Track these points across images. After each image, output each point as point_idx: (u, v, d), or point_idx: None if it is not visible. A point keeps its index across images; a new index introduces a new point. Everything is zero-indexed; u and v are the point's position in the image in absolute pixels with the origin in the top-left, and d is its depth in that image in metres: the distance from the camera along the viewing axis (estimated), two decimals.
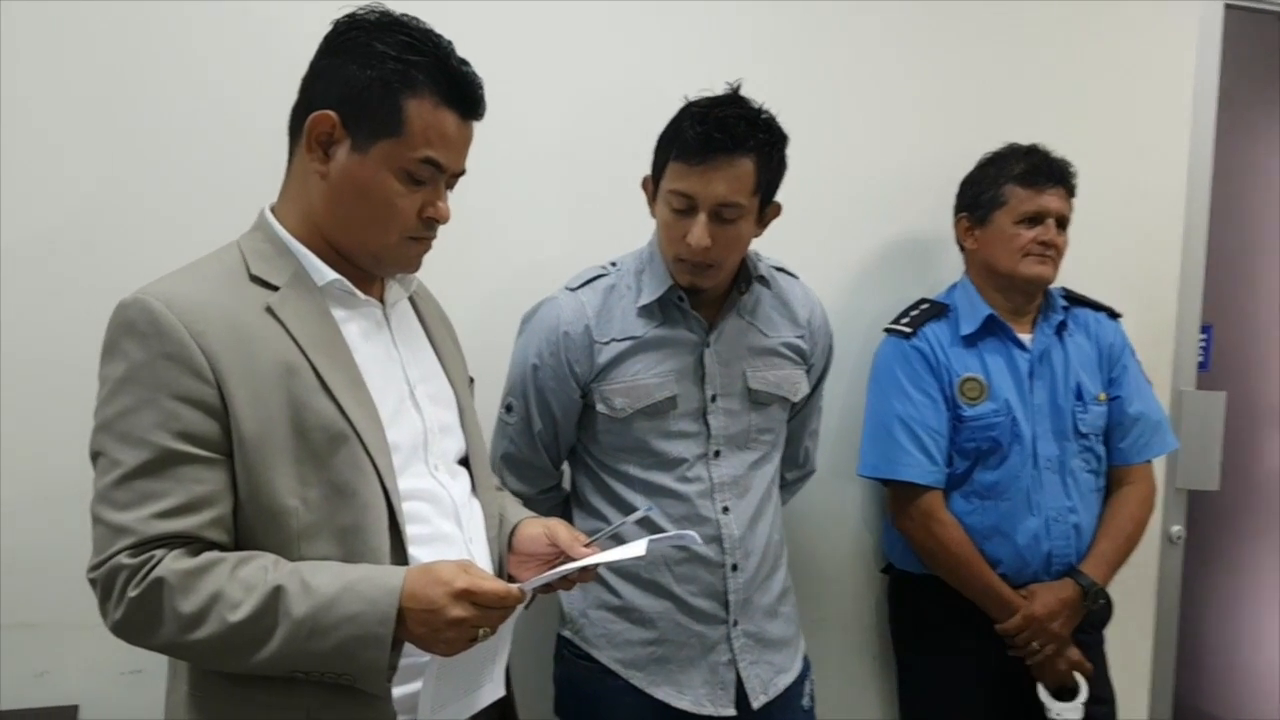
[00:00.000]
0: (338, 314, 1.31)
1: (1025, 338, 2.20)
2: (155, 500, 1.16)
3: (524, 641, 2.04)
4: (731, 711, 1.82)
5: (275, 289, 1.27)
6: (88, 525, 1.21)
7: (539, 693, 2.00)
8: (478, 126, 1.38)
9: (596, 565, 1.36)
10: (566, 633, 1.89)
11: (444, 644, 1.19)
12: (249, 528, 1.22)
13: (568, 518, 1.93)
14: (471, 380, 1.56)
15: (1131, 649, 2.63)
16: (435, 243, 1.39)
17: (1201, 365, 2.76)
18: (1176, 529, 2.69)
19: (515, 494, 1.87)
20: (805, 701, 1.93)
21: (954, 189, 2.28)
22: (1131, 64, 2.57)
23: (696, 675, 1.82)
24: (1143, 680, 2.69)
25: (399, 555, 1.27)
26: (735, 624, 1.83)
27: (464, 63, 1.32)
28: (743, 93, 1.74)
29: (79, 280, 1.84)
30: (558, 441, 1.87)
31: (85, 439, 1.23)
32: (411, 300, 1.48)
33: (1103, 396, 2.22)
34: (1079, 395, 2.19)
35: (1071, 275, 2.25)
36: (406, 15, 1.31)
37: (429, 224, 1.33)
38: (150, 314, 1.19)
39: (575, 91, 2.15)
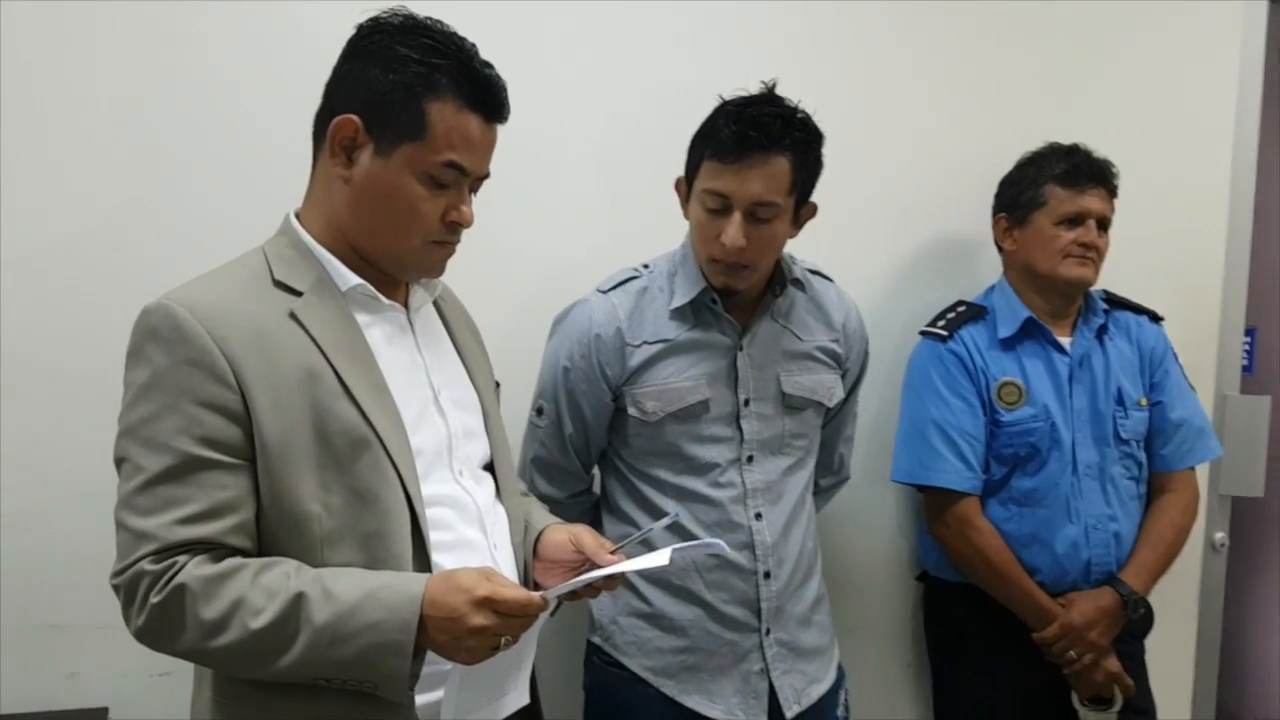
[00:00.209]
0: (361, 319, 1.31)
1: (1065, 341, 2.16)
2: (178, 506, 1.16)
3: (553, 647, 2.04)
4: None
5: (299, 294, 1.26)
6: None
7: (568, 699, 1.99)
8: (509, 129, 1.36)
9: (621, 574, 1.34)
10: (596, 639, 1.88)
11: (465, 652, 1.17)
12: (272, 533, 1.22)
13: (598, 522, 1.92)
14: (498, 384, 1.55)
15: (1173, 659, 2.59)
16: (467, 247, 1.39)
17: (1245, 369, 2.70)
18: (1220, 536, 2.65)
19: (545, 498, 1.87)
20: (840, 712, 1.91)
21: (992, 189, 2.25)
22: (1174, 62, 2.52)
23: (728, 684, 1.80)
24: (1184, 691, 2.64)
25: (422, 561, 1.26)
26: (768, 632, 1.81)
27: (487, 65, 1.31)
28: (778, 92, 1.71)
29: (108, 285, 1.85)
30: (588, 445, 1.86)
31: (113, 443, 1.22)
32: (436, 304, 1.48)
33: (1144, 402, 2.18)
34: (1120, 400, 2.15)
35: (1112, 277, 2.21)
36: (430, 18, 1.30)
37: (452, 228, 1.32)
38: (174, 319, 1.18)
39: (606, 93, 2.13)
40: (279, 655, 1.15)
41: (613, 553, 1.39)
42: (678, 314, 1.79)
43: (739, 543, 1.78)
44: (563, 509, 1.89)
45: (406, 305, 1.39)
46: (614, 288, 1.82)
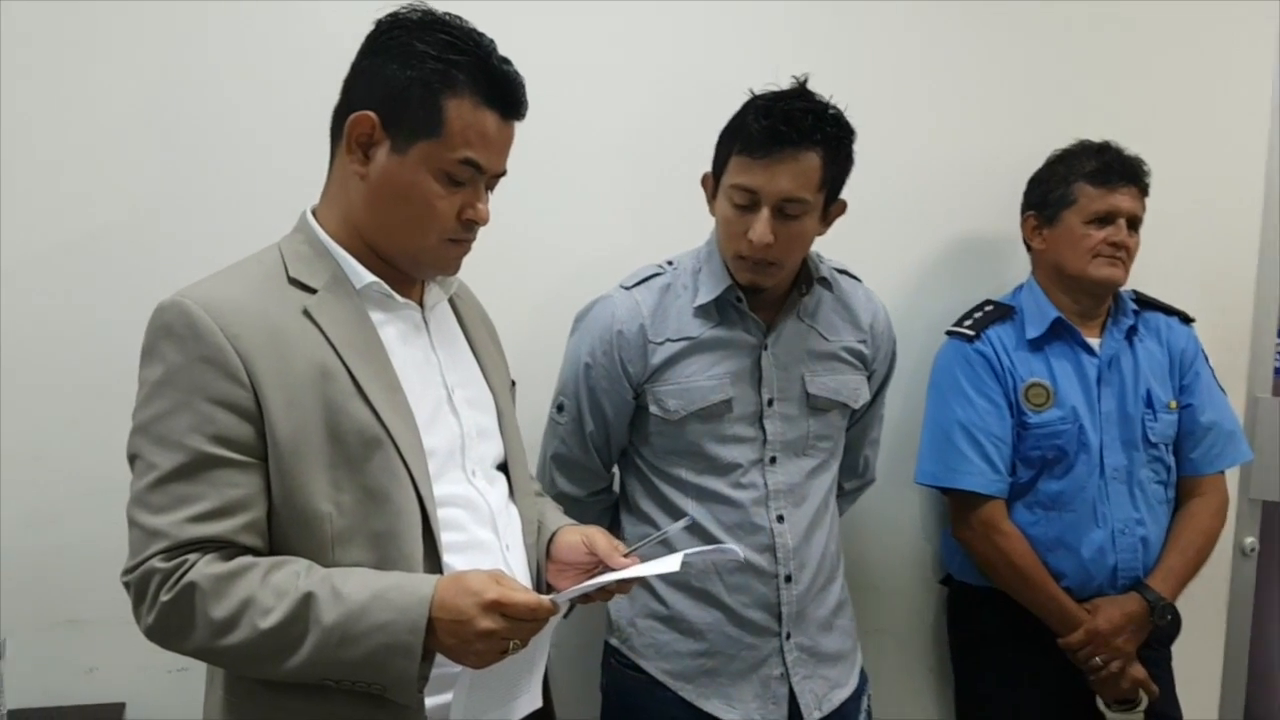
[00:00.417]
0: (376, 317, 1.30)
1: (1094, 342, 2.13)
2: (189, 504, 1.16)
3: (571, 648, 2.04)
4: None
5: (313, 292, 1.26)
6: None
7: (585, 701, 1.98)
8: (530, 125, 1.35)
9: (634, 578, 1.33)
10: (614, 641, 1.86)
11: (474, 656, 1.17)
12: (283, 532, 1.21)
13: (617, 521, 1.91)
14: (513, 383, 1.54)
15: (1201, 665, 2.55)
16: (488, 244, 1.38)
17: (1278, 371, 2.65)
18: (1249, 541, 2.60)
19: (565, 495, 1.87)
20: (862, 718, 1.88)
21: (1021, 186, 2.21)
22: (1207, 60, 2.48)
23: (748, 689, 1.78)
24: (1212, 698, 2.60)
25: (433, 562, 1.25)
26: (788, 637, 1.79)
27: (505, 62, 1.30)
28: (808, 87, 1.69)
29: (126, 281, 1.86)
30: (609, 443, 1.84)
31: None
32: (452, 302, 1.47)
33: (1173, 404, 2.14)
34: (1149, 403, 2.11)
35: (1142, 278, 2.18)
36: (449, 14, 1.29)
37: (468, 226, 1.31)
38: (187, 317, 1.18)
39: (628, 89, 2.12)
40: (288, 655, 1.15)
41: (626, 555, 1.37)
42: (702, 311, 1.77)
43: (760, 545, 1.76)
44: (582, 507, 1.88)
45: (422, 303, 1.39)
46: (637, 284, 1.81)
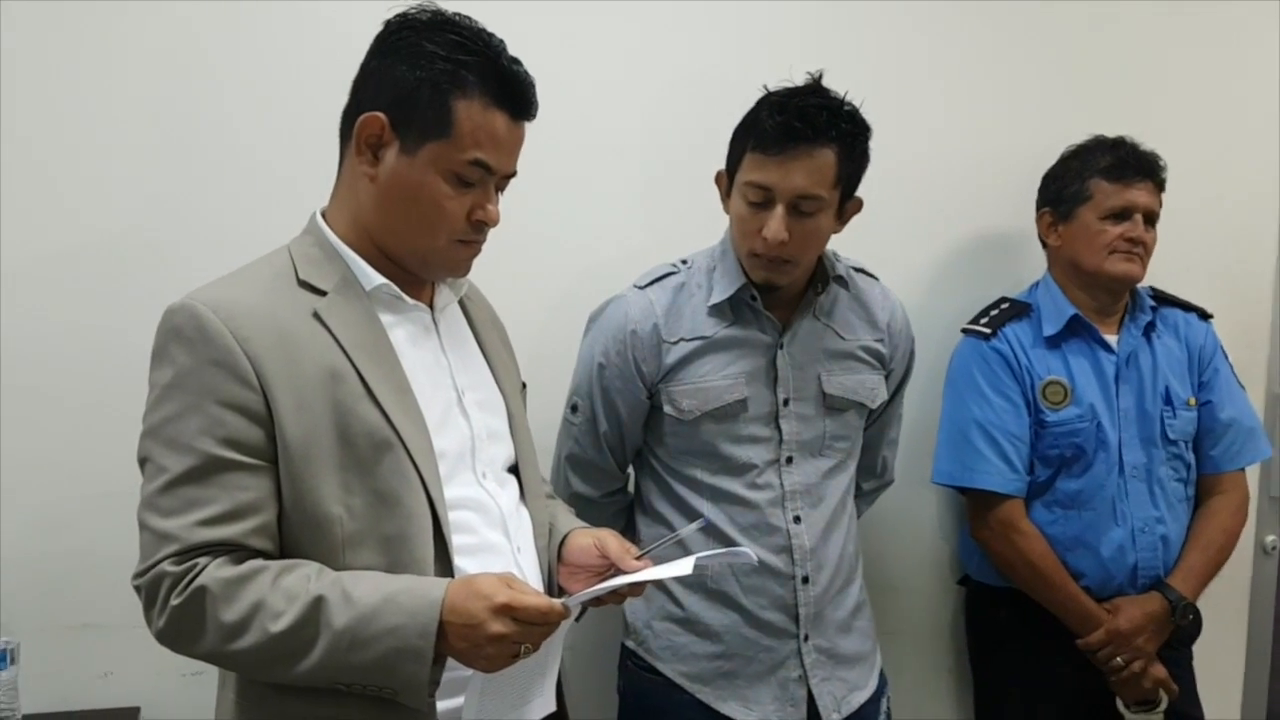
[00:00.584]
0: (385, 319, 1.30)
1: (1111, 339, 2.11)
2: (199, 507, 1.16)
3: (587, 650, 2.03)
4: None
5: (323, 294, 1.26)
6: None
7: (602, 703, 1.97)
8: (541, 125, 1.34)
9: (645, 581, 1.33)
10: (630, 643, 1.85)
11: (485, 660, 1.16)
12: (294, 535, 1.21)
13: (632, 522, 1.90)
14: (524, 385, 1.54)
15: (1222, 665, 2.53)
16: (500, 245, 1.37)
17: None
18: (1271, 539, 2.58)
19: (580, 496, 1.86)
20: None
21: (1035, 183, 2.20)
22: (1222, 54, 2.46)
23: (765, 691, 1.77)
24: (1234, 697, 2.58)
25: (444, 565, 1.25)
26: (806, 639, 1.77)
27: (515, 62, 1.29)
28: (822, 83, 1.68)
29: (136, 284, 1.85)
30: (624, 443, 1.83)
31: None
32: (462, 304, 1.46)
33: (1192, 401, 2.12)
34: (1168, 400, 2.09)
35: (1159, 274, 2.16)
36: (459, 14, 1.28)
37: (478, 227, 1.31)
38: (197, 319, 1.18)
39: (640, 88, 2.11)
40: (298, 659, 1.14)
41: (638, 557, 1.36)
42: (716, 310, 1.76)
43: (777, 546, 1.75)
44: (597, 508, 1.87)
45: (432, 305, 1.38)
46: (651, 283, 1.80)
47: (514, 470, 1.44)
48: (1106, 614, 2.01)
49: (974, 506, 2.11)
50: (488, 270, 1.42)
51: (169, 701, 1.91)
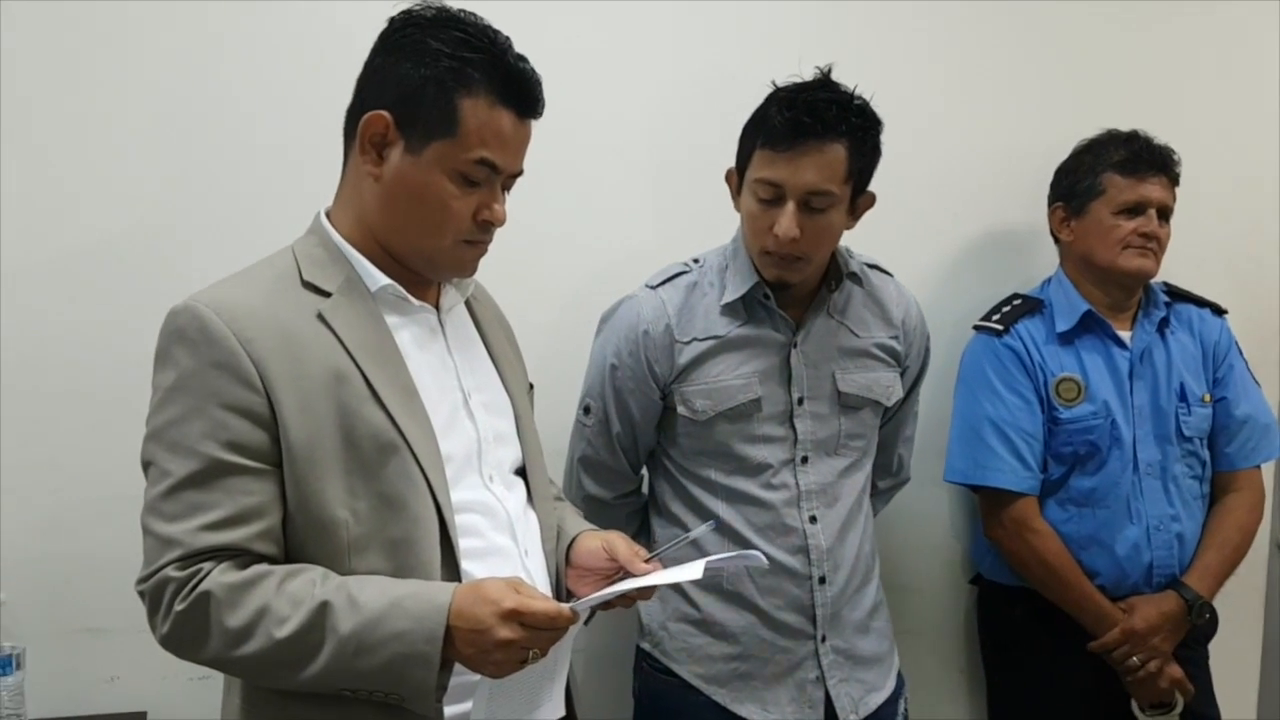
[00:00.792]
0: (391, 320, 1.28)
1: (1125, 335, 2.09)
2: (203, 512, 1.14)
3: (602, 652, 2.03)
4: None
5: (327, 295, 1.24)
6: None
7: (617, 706, 1.96)
8: (549, 123, 1.33)
9: (654, 586, 1.31)
10: (645, 645, 1.84)
11: (492, 665, 1.15)
12: (299, 539, 1.20)
13: (646, 524, 1.89)
14: (531, 386, 1.52)
15: (1238, 662, 2.51)
16: (510, 244, 1.36)
17: None
18: None
19: (593, 498, 1.85)
20: None
21: (1047, 177, 2.18)
22: (1231, 48, 2.44)
23: (783, 693, 1.75)
24: (1250, 695, 2.56)
25: (450, 569, 1.23)
26: (823, 639, 1.76)
27: (521, 59, 1.27)
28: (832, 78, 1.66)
29: (141, 286, 1.84)
30: (637, 444, 1.82)
31: None
32: (469, 304, 1.45)
33: (1207, 398, 2.11)
34: (1182, 396, 2.08)
35: (1171, 269, 2.14)
36: (464, 11, 1.27)
37: (484, 227, 1.29)
38: (200, 321, 1.17)
39: (651, 85, 2.10)
40: (304, 665, 1.13)
41: (647, 560, 1.35)
42: (729, 310, 1.74)
43: (793, 546, 1.74)
44: (611, 510, 1.86)
45: (438, 306, 1.36)
46: (663, 283, 1.78)
47: (521, 472, 1.42)
48: (1122, 613, 2.00)
49: (987, 505, 2.09)
50: (497, 270, 1.40)
51: (175, 706, 1.90)
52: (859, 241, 1.86)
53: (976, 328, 2.14)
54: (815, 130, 1.58)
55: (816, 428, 1.76)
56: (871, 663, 1.82)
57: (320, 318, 1.22)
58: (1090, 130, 2.13)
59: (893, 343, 1.84)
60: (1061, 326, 2.07)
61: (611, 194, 2.09)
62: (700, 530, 1.47)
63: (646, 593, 1.34)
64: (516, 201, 1.33)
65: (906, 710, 1.89)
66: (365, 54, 1.28)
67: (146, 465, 1.19)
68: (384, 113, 1.22)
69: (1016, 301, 2.14)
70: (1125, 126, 2.09)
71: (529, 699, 1.28)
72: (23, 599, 1.84)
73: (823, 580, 1.75)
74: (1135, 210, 2.03)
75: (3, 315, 1.82)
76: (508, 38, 1.27)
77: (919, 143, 2.20)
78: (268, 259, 1.30)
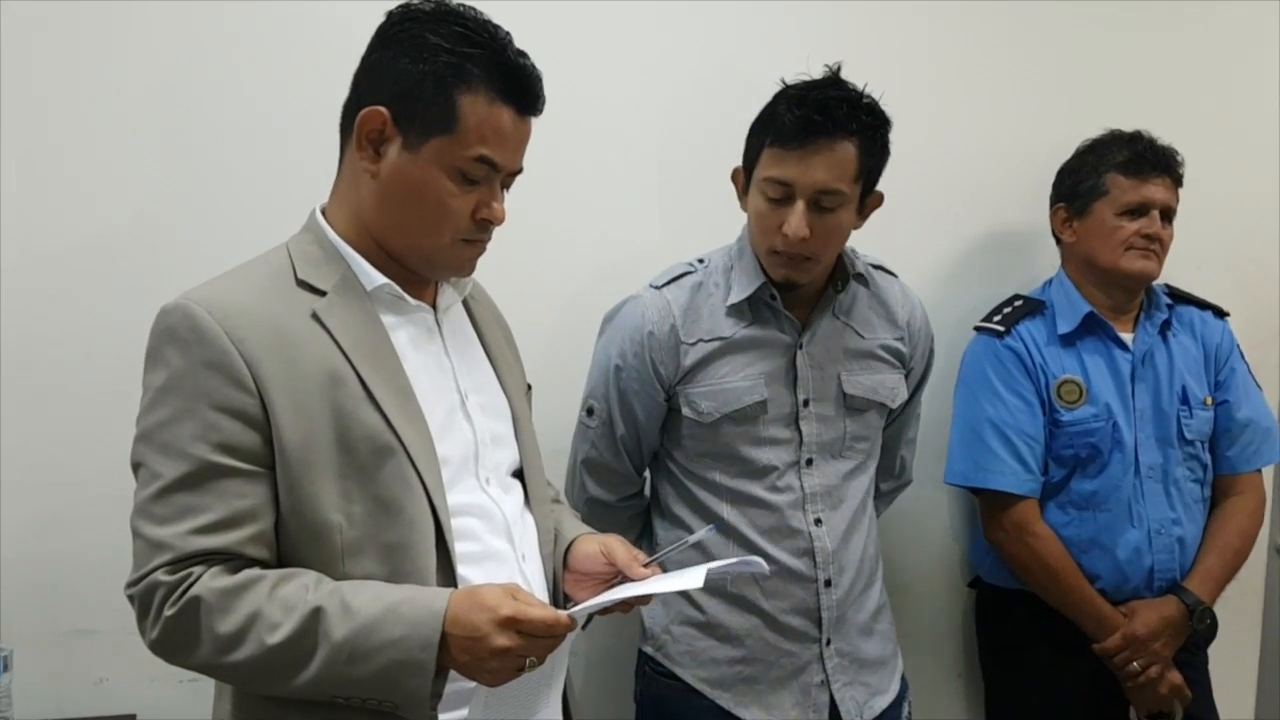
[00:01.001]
0: (387, 320, 1.26)
1: (1127, 337, 2.08)
2: (194, 515, 1.12)
3: (603, 656, 2.02)
4: None
5: (322, 294, 1.22)
6: None
7: (619, 711, 1.95)
8: (554, 120, 1.31)
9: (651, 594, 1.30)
10: (648, 649, 1.82)
11: (488, 674, 1.13)
12: (292, 543, 1.18)
13: (648, 526, 1.87)
14: (529, 387, 1.50)
15: (1236, 667, 2.50)
16: (511, 244, 1.35)
17: None
18: None
19: (596, 500, 1.84)
20: None
21: (1049, 178, 2.16)
22: (1232, 47, 2.43)
23: (787, 697, 1.74)
24: (1248, 699, 2.55)
25: (446, 574, 1.21)
26: (828, 643, 1.75)
27: (522, 55, 1.25)
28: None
29: (134, 283, 1.82)
30: (641, 446, 1.80)
31: None
32: (466, 304, 1.43)
33: (1209, 401, 2.10)
34: (1184, 399, 2.06)
35: (1171, 270, 2.12)
36: (463, 5, 1.25)
37: (483, 225, 1.27)
38: (192, 320, 1.15)
39: (654, 83, 2.08)
40: (296, 672, 1.11)
41: (646, 564, 1.33)
42: (735, 310, 1.72)
43: (798, 549, 1.73)
44: (614, 513, 1.85)
45: (434, 305, 1.34)
46: (668, 283, 1.76)
47: (518, 475, 1.40)
48: (1123, 618, 1.98)
49: (987, 508, 2.07)
50: (498, 269, 1.39)
51: (164, 709, 1.88)
52: (861, 242, 1.85)
53: (977, 329, 2.13)
54: (826, 128, 1.56)
55: (822, 430, 1.75)
56: (876, 666, 1.81)
57: (315, 317, 1.20)
58: (1092, 130, 2.11)
59: (898, 344, 1.82)
60: (1063, 328, 2.06)
61: (613, 192, 2.07)
62: (700, 534, 1.45)
63: (645, 598, 1.32)
64: (517, 199, 1.31)
65: (910, 714, 1.88)
66: (362, 47, 1.26)
67: (136, 467, 1.17)
68: (381, 108, 1.20)
69: (1018, 303, 2.13)
70: (1128, 127, 2.08)
71: (526, 705, 1.27)
72: (10, 600, 1.81)
73: (828, 583, 1.74)
74: (1138, 211, 2.02)
75: None
76: (508, 33, 1.25)
77: (920, 142, 2.17)
78: (261, 256, 1.27)
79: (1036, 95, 2.30)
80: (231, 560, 1.14)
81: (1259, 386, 2.17)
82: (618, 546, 1.36)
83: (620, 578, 1.34)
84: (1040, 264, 2.26)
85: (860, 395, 1.76)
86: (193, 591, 1.10)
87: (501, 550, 1.29)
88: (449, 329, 1.35)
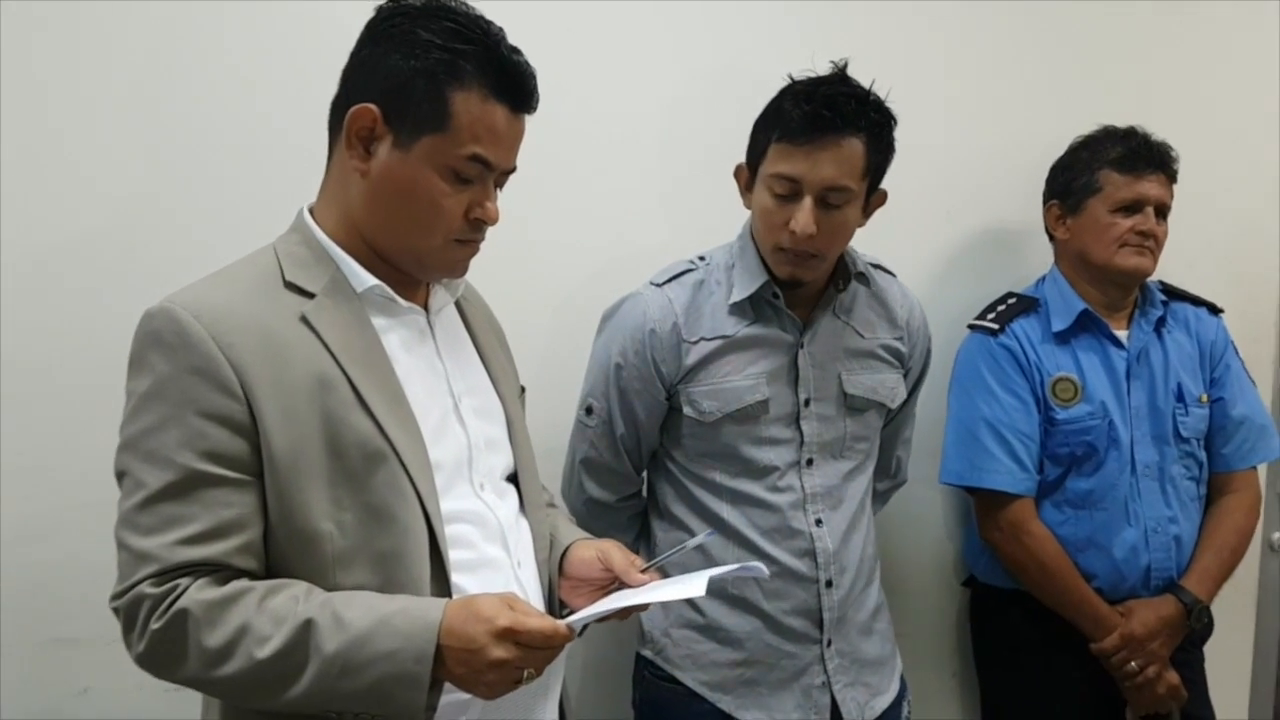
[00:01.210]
0: (378, 322, 1.24)
1: (1121, 334, 2.07)
2: (180, 525, 1.10)
3: (600, 660, 2.00)
4: None
5: (311, 296, 1.20)
6: None
7: (616, 715, 1.93)
8: (549, 118, 1.30)
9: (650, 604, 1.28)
10: (647, 652, 1.80)
11: (485, 686, 1.11)
12: (281, 553, 1.15)
13: (646, 527, 1.86)
14: (523, 389, 1.48)
15: (1229, 663, 2.49)
16: (506, 244, 1.32)
17: None
18: (1278, 536, 2.56)
19: (595, 500, 1.82)
20: None
21: (1042, 174, 2.16)
22: (1227, 42, 2.43)
23: (788, 699, 1.73)
24: (1241, 695, 2.56)
25: (440, 583, 1.19)
26: (829, 644, 1.74)
27: (515, 51, 1.23)
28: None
29: (119, 286, 1.77)
30: (640, 446, 1.79)
31: None
32: (459, 305, 1.40)
33: (1204, 398, 2.09)
34: (1180, 397, 2.06)
35: (1164, 266, 2.11)
36: (456, 0, 1.22)
37: (476, 226, 1.25)
38: (177, 324, 1.12)
39: (650, 80, 2.06)
40: (287, 686, 1.09)
41: (644, 570, 1.31)
42: (737, 309, 1.71)
43: (799, 550, 1.71)
44: (613, 513, 1.83)
45: (426, 307, 1.32)
46: (669, 280, 1.75)
47: (513, 479, 1.38)
48: (1120, 617, 1.97)
49: (983, 507, 2.06)
50: (495, 269, 1.37)
51: (150, 719, 1.84)
52: (857, 239, 1.82)
53: (971, 327, 2.12)
54: (835, 124, 1.55)
55: (823, 430, 1.73)
56: (876, 665, 1.80)
57: (304, 320, 1.17)
58: (1086, 127, 2.11)
59: (897, 344, 1.81)
60: (1057, 326, 2.05)
61: (610, 190, 2.05)
62: (699, 539, 1.43)
63: (645, 606, 1.30)
64: (517, 199, 1.30)
65: (909, 714, 1.87)
66: (351, 43, 1.23)
67: (120, 475, 1.14)
68: (371, 106, 1.18)
69: (1011, 300, 2.12)
70: (1121, 123, 2.07)
71: (524, 715, 1.25)
72: None
73: (829, 584, 1.73)
74: (1133, 208, 2.01)
75: None
76: (500, 28, 1.23)
77: (911, 139, 2.14)
78: (247, 258, 1.24)
79: (1029, 92, 2.29)
80: (219, 571, 1.11)
81: (1254, 383, 2.16)
82: (615, 552, 1.34)
83: (617, 584, 1.32)
84: (1033, 261, 2.25)
85: (860, 395, 1.75)
86: (179, 604, 1.08)
87: (497, 557, 1.27)
88: (441, 331, 1.33)
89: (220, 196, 1.83)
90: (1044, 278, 2.15)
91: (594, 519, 1.81)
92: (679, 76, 2.07)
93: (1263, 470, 2.32)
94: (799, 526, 1.71)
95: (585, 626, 1.27)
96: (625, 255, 1.99)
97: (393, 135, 1.18)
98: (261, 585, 1.12)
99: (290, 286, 1.19)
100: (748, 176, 1.69)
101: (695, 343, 1.70)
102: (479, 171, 1.21)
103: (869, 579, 1.82)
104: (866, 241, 1.87)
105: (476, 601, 1.11)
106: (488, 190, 1.24)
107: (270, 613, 1.09)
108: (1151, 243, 2.01)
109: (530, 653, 1.10)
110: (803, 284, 1.69)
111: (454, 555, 1.20)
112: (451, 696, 1.15)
